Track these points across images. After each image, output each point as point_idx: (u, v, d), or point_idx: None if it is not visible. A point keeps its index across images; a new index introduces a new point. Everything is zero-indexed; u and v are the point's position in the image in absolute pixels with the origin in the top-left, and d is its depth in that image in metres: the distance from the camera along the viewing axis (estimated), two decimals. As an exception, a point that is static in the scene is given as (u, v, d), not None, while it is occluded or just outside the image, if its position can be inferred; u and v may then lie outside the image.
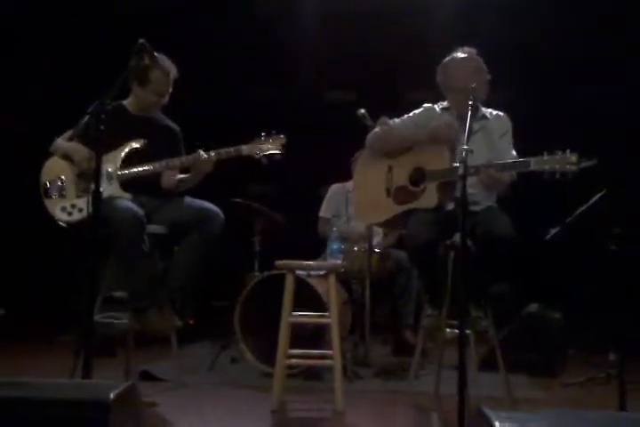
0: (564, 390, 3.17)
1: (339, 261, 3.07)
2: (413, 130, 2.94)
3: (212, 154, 2.86)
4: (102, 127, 2.26)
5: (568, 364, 3.55)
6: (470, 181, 2.73)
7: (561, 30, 4.50)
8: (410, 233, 2.81)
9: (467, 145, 2.34)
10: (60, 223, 2.85)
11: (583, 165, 2.45)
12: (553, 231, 2.80)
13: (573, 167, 2.42)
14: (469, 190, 2.73)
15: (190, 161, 2.89)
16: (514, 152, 2.87)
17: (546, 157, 2.49)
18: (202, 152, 2.86)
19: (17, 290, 4.58)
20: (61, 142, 2.91)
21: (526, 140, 2.83)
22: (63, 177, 2.88)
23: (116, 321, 2.91)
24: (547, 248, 3.13)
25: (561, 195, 3.19)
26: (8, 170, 4.47)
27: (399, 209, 2.98)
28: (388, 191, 3.03)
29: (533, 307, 3.60)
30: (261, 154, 2.86)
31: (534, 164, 2.52)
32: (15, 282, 4.58)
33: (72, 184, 2.86)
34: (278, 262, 2.81)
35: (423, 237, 2.71)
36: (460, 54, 2.92)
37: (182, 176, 3.02)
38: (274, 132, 2.89)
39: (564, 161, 2.44)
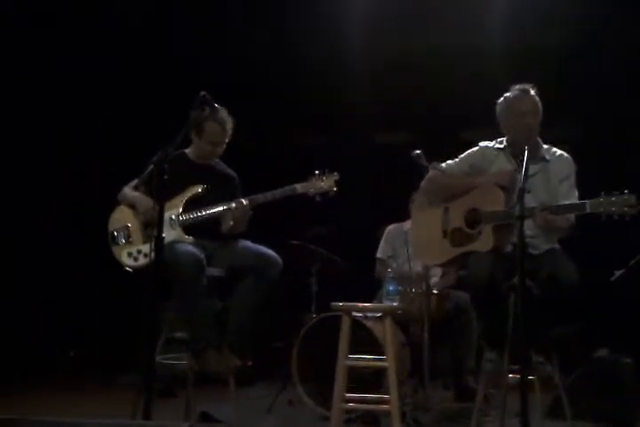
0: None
1: (394, 303, 3.04)
2: (464, 177, 2.93)
3: (267, 195, 2.93)
4: (165, 177, 2.36)
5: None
6: (528, 223, 2.71)
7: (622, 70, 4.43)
8: (471, 273, 2.76)
9: (524, 185, 2.31)
10: (127, 268, 2.97)
11: None
12: (618, 273, 2.70)
13: (632, 209, 2.34)
14: (527, 232, 2.71)
15: (235, 205, 2.94)
16: (576, 194, 2.80)
17: (602, 199, 2.42)
18: (241, 200, 2.93)
19: (85, 333, 4.75)
20: (128, 191, 3.06)
21: (586, 181, 2.77)
22: (129, 225, 3.01)
23: (176, 362, 2.97)
24: (613, 291, 3.01)
25: (624, 235, 3.08)
26: (77, 217, 4.69)
27: (456, 251, 2.95)
28: (444, 233, 3.01)
29: (603, 352, 3.44)
30: (316, 191, 2.92)
31: (590, 206, 2.45)
32: (83, 325, 4.76)
33: (138, 231, 2.99)
34: (334, 304, 2.82)
35: (485, 277, 2.66)
36: (517, 91, 2.91)
37: (231, 223, 3.09)
38: (327, 170, 2.95)
39: (622, 203, 2.36)
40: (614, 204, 2.38)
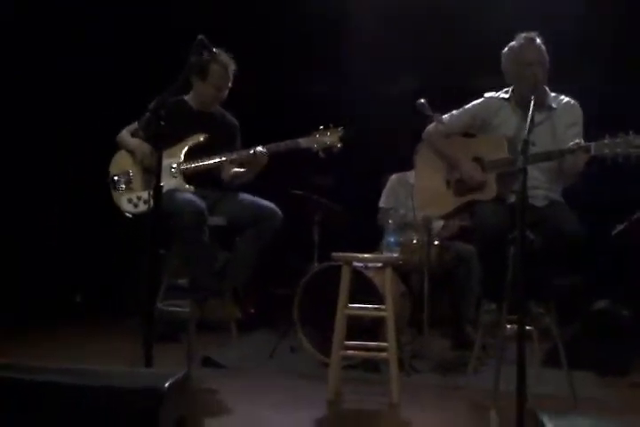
0: (632, 389, 3.04)
1: (395, 254, 3.05)
2: (459, 143, 2.93)
3: (270, 147, 2.89)
4: (162, 123, 2.31)
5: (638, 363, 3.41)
6: (532, 173, 2.67)
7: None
8: (478, 221, 2.75)
9: (529, 137, 2.26)
10: (126, 214, 2.97)
11: None
12: (619, 227, 2.69)
13: (638, 150, 2.31)
14: (533, 182, 2.68)
15: (248, 155, 2.93)
16: (583, 142, 2.75)
17: (607, 141, 2.39)
18: (258, 148, 2.89)
19: (90, 278, 4.82)
20: (126, 136, 3.02)
21: (597, 126, 2.71)
22: (130, 171, 2.99)
23: (178, 309, 3.01)
24: (614, 244, 3.00)
25: (625, 190, 3.04)
26: (78, 161, 4.67)
27: (459, 201, 2.94)
28: (448, 183, 2.99)
29: (602, 303, 3.47)
30: (320, 147, 2.87)
31: (595, 148, 2.43)
32: (89, 270, 4.82)
33: (139, 177, 2.97)
34: (335, 254, 2.83)
35: (492, 224, 2.65)
36: (522, 40, 2.82)
37: (238, 170, 3.07)
38: (331, 125, 2.89)
39: (627, 144, 2.34)
40: (619, 145, 2.35)
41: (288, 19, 4.80)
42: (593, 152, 2.45)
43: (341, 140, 2.87)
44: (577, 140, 2.69)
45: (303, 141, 2.88)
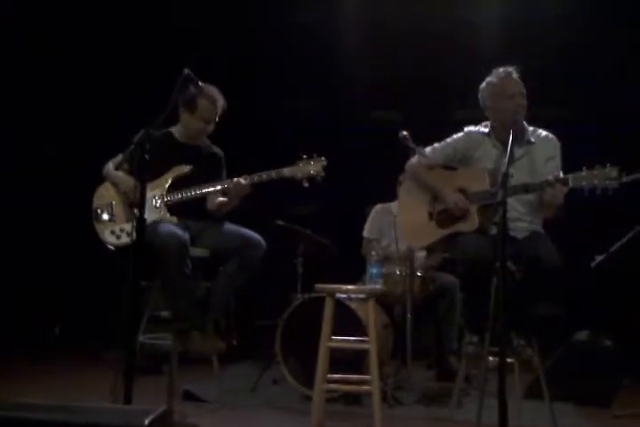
0: (615, 421, 3.05)
1: (378, 286, 3.06)
2: (442, 174, 2.98)
3: (253, 177, 2.92)
4: (147, 156, 2.33)
5: (621, 394, 3.41)
6: (513, 205, 2.72)
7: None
8: (463, 255, 2.75)
9: (509, 169, 2.31)
10: (109, 246, 2.96)
11: (624, 180, 2.38)
12: (599, 259, 2.72)
13: (614, 182, 2.36)
14: (513, 214, 2.72)
15: (231, 185, 2.95)
16: (561, 175, 2.80)
17: (584, 173, 2.44)
18: (241, 179, 2.92)
19: (70, 310, 4.75)
20: (111, 169, 3.03)
21: (573, 159, 2.77)
22: (114, 203, 3.00)
23: (160, 342, 2.98)
24: (595, 275, 3.04)
25: (608, 217, 3.10)
26: (61, 191, 4.65)
27: (442, 233, 2.97)
28: (430, 215, 3.03)
29: (583, 334, 3.48)
30: (303, 176, 2.90)
31: (573, 180, 2.47)
32: (69, 302, 4.75)
33: (122, 210, 2.97)
34: (318, 286, 2.82)
35: (474, 254, 2.67)
36: (502, 74, 2.89)
37: (222, 200, 3.09)
38: (315, 154, 2.93)
39: (604, 176, 2.39)
40: (596, 177, 2.40)
41: (275, 45, 4.87)
42: (571, 184, 2.50)
43: (324, 169, 2.90)
44: (555, 173, 2.75)
45: (287, 171, 2.91)
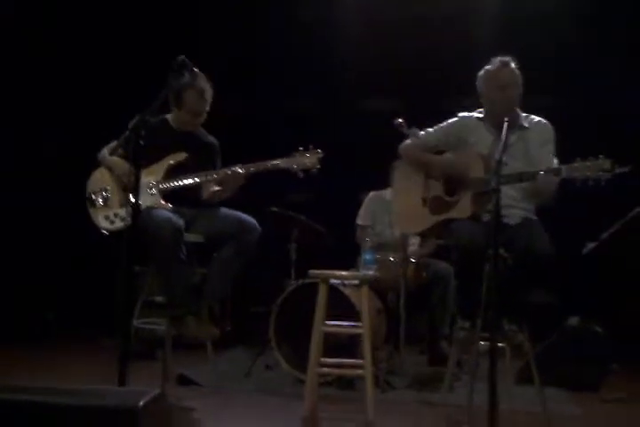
0: (603, 405, 3.09)
1: (372, 272, 3.08)
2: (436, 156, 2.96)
3: (248, 167, 2.92)
4: (142, 143, 2.33)
5: (610, 379, 3.45)
6: (506, 192, 2.73)
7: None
8: (457, 242, 2.75)
9: (503, 157, 2.32)
10: (103, 231, 2.96)
11: (618, 171, 2.39)
12: (590, 246, 2.74)
13: (607, 174, 2.36)
14: (506, 201, 2.73)
15: (226, 175, 2.95)
16: (555, 161, 2.81)
17: (577, 164, 2.44)
18: (237, 168, 2.91)
19: (64, 294, 4.76)
20: (106, 154, 3.02)
21: (566, 148, 2.78)
22: (108, 188, 2.99)
23: (154, 327, 3.00)
24: (587, 261, 3.06)
25: (600, 206, 3.12)
26: (57, 180, 4.64)
27: (435, 219, 2.98)
28: (424, 201, 3.03)
29: (574, 320, 3.52)
30: (299, 168, 2.90)
31: (565, 171, 2.48)
32: (60, 287, 4.76)
33: (116, 194, 2.97)
34: (312, 272, 2.84)
35: (468, 240, 2.67)
36: (498, 64, 2.89)
37: (217, 189, 3.09)
38: (311, 146, 2.93)
39: (597, 168, 2.39)
40: (589, 168, 2.40)
41: (273, 32, 4.85)
42: (564, 175, 2.50)
43: (319, 161, 2.90)
44: (549, 159, 2.75)
45: (282, 162, 2.91)
